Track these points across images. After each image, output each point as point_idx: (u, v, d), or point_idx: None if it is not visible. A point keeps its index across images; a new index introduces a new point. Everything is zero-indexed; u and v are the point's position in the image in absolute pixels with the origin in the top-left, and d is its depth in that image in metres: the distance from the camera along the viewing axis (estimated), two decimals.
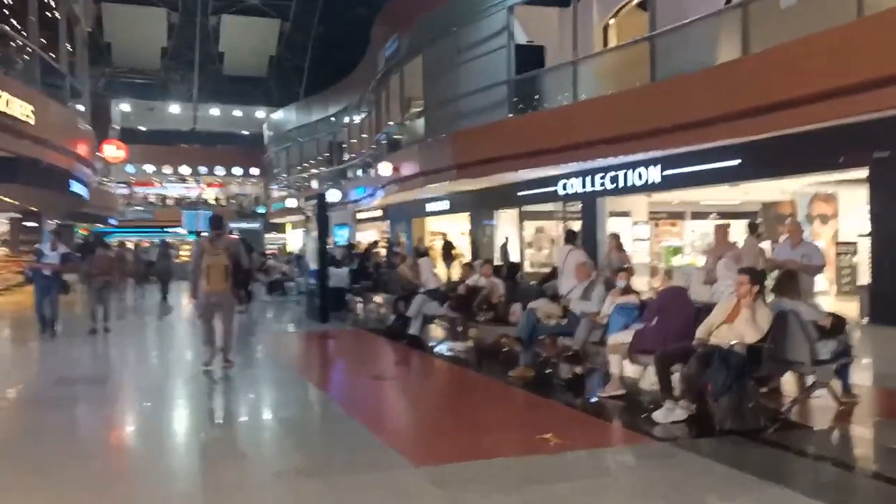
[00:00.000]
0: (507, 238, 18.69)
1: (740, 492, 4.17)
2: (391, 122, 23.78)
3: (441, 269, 17.59)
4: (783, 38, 10.40)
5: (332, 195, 26.10)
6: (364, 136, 30.19)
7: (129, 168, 42.77)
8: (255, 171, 44.96)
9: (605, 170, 14.99)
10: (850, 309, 10.21)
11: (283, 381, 8.34)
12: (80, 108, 18.68)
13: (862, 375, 6.76)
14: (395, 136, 23.46)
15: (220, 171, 45.30)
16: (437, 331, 11.14)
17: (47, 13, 16.26)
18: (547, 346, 7.72)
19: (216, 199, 46.15)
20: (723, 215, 17.34)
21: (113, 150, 20.03)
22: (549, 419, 5.94)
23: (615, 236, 10.66)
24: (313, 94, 37.32)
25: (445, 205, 21.89)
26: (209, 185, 46.86)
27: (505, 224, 19.90)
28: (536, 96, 16.74)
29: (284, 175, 39.93)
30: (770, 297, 5.80)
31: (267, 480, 4.59)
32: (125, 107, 43.28)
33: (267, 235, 41.59)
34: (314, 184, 34.61)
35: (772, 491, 4.08)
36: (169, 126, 44.71)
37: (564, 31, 16.29)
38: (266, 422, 6.44)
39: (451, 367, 8.70)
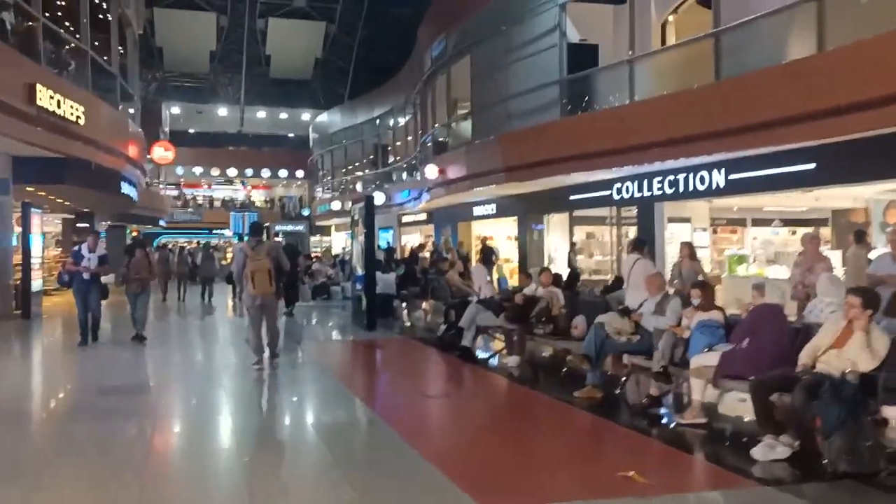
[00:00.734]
0: (574, 243, 18.01)
1: None
2: (437, 124, 23.39)
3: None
4: (864, 34, 9.67)
5: (378, 198, 25.82)
6: (409, 138, 29.90)
7: (179, 170, 43.36)
8: (300, 173, 45.06)
9: (664, 173, 14.30)
10: None
11: (331, 398, 7.79)
12: (131, 110, 18.71)
13: None
14: (442, 139, 23.06)
15: (266, 173, 45.55)
16: (490, 342, 10.65)
17: (100, 15, 16.29)
18: (614, 365, 7.14)
19: (265, 202, 46.49)
20: (787, 223, 16.56)
21: (161, 152, 20.07)
22: (628, 451, 5.40)
23: (688, 245, 9.84)
24: (358, 97, 37.21)
25: (492, 208, 21.39)
26: (255, 186, 47.19)
27: (555, 229, 19.33)
28: (588, 97, 16.16)
29: (329, 177, 39.92)
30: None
31: None
32: (175, 110, 43.84)
33: (312, 238, 41.64)
34: (359, 186, 34.46)
35: None
36: (217, 128, 45.18)
37: (619, 28, 15.67)
38: (314, 447, 5.85)
39: (509, 385, 8.16)
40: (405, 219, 30.04)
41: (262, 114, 45.11)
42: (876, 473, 4.36)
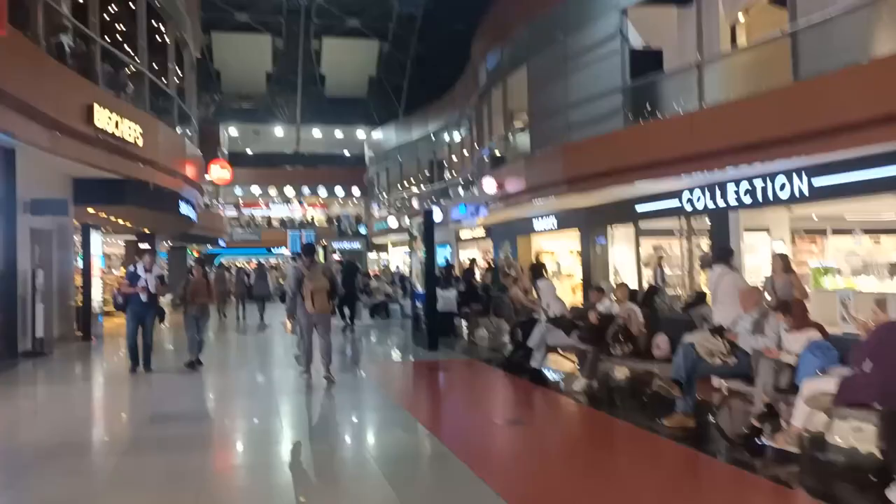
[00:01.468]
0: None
1: None
2: (494, 137, 22.94)
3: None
4: None
5: (435, 215, 25.50)
6: (465, 153, 29.54)
7: (237, 190, 44.06)
8: (356, 190, 45.22)
9: (740, 180, 13.47)
10: None
11: (395, 426, 7.27)
12: (189, 131, 18.82)
13: None
14: (498, 152, 22.59)
15: (322, 191, 45.88)
16: (561, 362, 10.02)
17: (157, 38, 16.42)
18: (703, 388, 6.44)
19: (324, 220, 46.78)
20: (869, 231, 15.50)
21: (218, 170, 20.19)
22: (733, 490, 4.76)
23: (782, 257, 8.96)
24: (413, 113, 37.12)
25: (553, 222, 20.75)
26: (312, 205, 47.55)
27: (620, 242, 18.56)
28: (653, 104, 15.44)
29: (385, 194, 39.88)
30: None
31: None
32: (232, 131, 44.61)
33: (369, 255, 41.61)
34: (415, 203, 34.25)
35: None
36: (274, 148, 45.77)
37: (685, 32, 14.95)
38: (377, 485, 5.29)
39: (586, 411, 7.52)
40: (463, 235, 29.62)
41: (317, 133, 45.52)
42: None
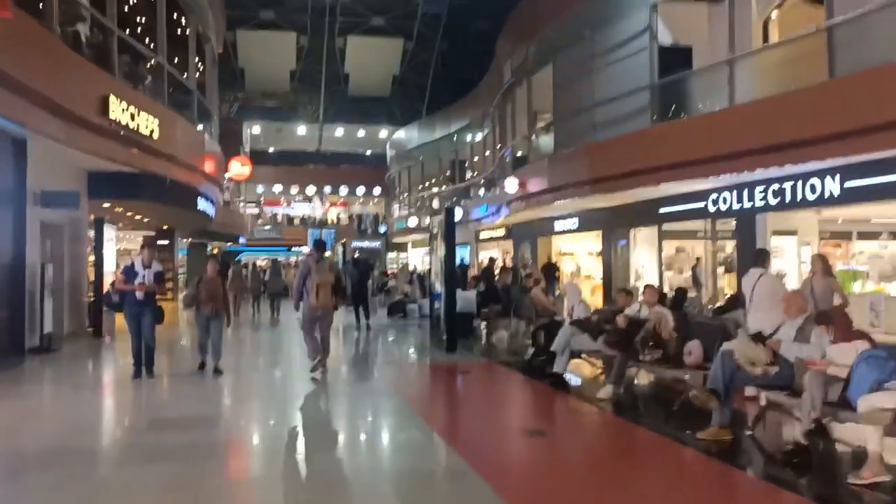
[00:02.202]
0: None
1: None
2: (518, 136, 22.62)
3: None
4: None
5: (455, 213, 25.24)
6: (487, 153, 29.25)
7: (259, 188, 44.11)
8: (377, 190, 45.09)
9: (768, 182, 13.02)
10: None
11: (410, 437, 6.74)
12: (209, 127, 18.70)
13: None
14: (521, 152, 22.28)
15: (343, 190, 45.81)
16: (584, 367, 9.63)
17: (178, 31, 16.29)
18: (738, 399, 6.02)
19: (346, 218, 46.71)
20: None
21: (238, 167, 20.01)
22: None
23: (822, 258, 8.38)
24: (435, 113, 36.89)
25: (574, 223, 20.39)
26: (333, 204, 47.50)
27: (641, 244, 18.14)
28: (682, 103, 15.01)
29: (406, 194, 39.70)
30: None
31: None
32: (255, 129, 44.68)
33: (389, 254, 41.44)
34: (436, 203, 34.03)
35: None
36: (296, 147, 45.80)
37: (716, 28, 14.50)
38: None
39: (613, 421, 7.09)
40: (483, 234, 29.33)
41: (340, 131, 45.45)
42: None
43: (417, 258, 36.15)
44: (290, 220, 46.10)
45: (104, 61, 11.73)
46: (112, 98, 10.96)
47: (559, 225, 21.09)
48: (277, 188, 45.43)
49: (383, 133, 44.55)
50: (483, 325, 14.65)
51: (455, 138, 33.56)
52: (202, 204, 17.40)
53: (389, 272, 29.89)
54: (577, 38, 17.71)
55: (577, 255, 22.33)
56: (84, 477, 5.26)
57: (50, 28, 9.99)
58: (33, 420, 7.32)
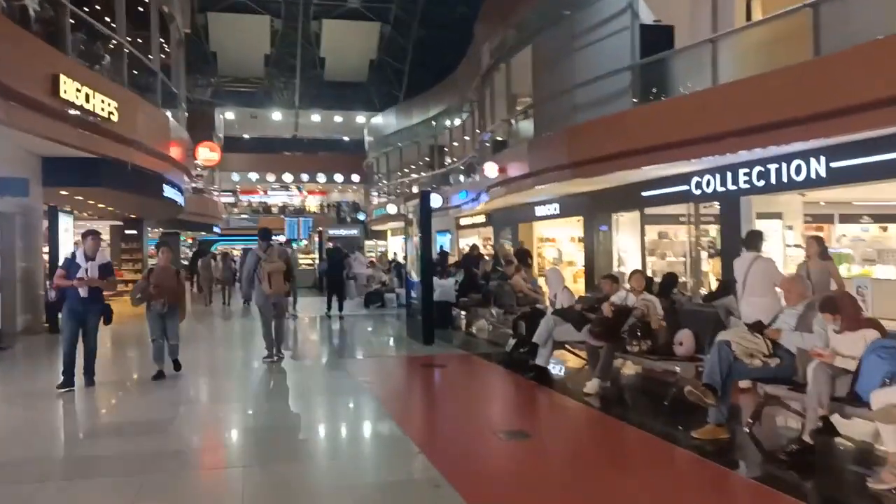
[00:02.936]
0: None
1: None
2: (497, 121, 22.16)
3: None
4: None
5: (435, 200, 24.72)
6: (466, 138, 28.79)
7: (234, 176, 43.23)
8: (356, 177, 44.41)
9: (752, 164, 12.64)
10: None
11: (381, 443, 6.22)
12: (176, 112, 17.96)
13: None
14: (500, 137, 21.83)
15: (321, 177, 45.06)
16: (568, 359, 9.16)
17: (139, 9, 15.54)
18: (736, 394, 5.53)
19: (324, 206, 46.02)
20: (877, 218, 14.87)
21: (206, 153, 19.26)
22: None
23: (818, 240, 7.93)
24: (413, 98, 36.30)
25: (555, 208, 19.99)
26: (311, 192, 46.74)
27: (624, 229, 17.77)
28: (663, 83, 14.59)
29: (385, 181, 39.09)
30: None
31: None
32: (229, 115, 43.74)
33: (367, 242, 40.87)
34: (415, 189, 33.52)
35: None
36: (271, 133, 44.94)
37: (698, 6, 14.07)
38: None
39: (600, 418, 6.59)
40: (463, 221, 28.91)
41: (316, 117, 44.61)
42: None
43: (397, 246, 35.66)
44: (267, 208, 45.29)
45: (55, 38, 11.01)
46: (63, 77, 10.25)
47: (540, 210, 20.72)
48: (253, 176, 44.59)
49: (361, 119, 43.83)
50: (462, 314, 14.19)
51: (433, 123, 33.09)
52: (168, 191, 16.70)
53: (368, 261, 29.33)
54: (556, 18, 17.26)
55: (559, 241, 21.98)
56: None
57: None
58: None
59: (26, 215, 12.67)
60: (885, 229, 14.86)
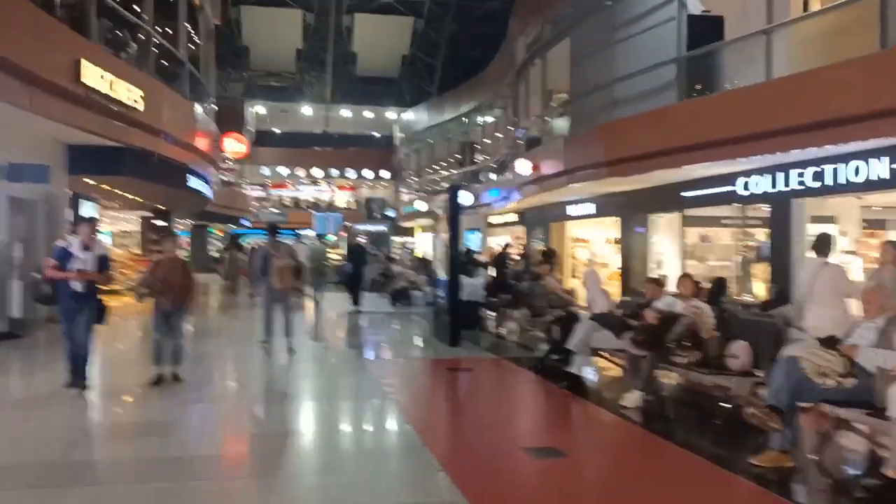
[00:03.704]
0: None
1: None
2: (531, 117, 21.59)
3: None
4: None
5: (465, 198, 24.21)
6: (498, 135, 28.25)
7: (265, 170, 43.17)
8: (386, 173, 44.05)
9: (806, 164, 11.89)
10: None
11: (403, 458, 5.67)
12: (204, 103, 17.65)
13: None
14: (535, 134, 21.26)
15: (351, 173, 44.76)
16: (602, 365, 8.57)
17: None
18: (808, 418, 4.88)
19: (353, 202, 45.77)
20: None
21: (233, 144, 18.93)
22: None
23: (894, 246, 7.27)
24: (445, 94, 35.83)
25: (590, 208, 19.34)
26: (341, 187, 46.51)
27: (662, 231, 17.08)
28: (711, 77, 13.88)
29: (414, 177, 38.68)
30: None
31: None
32: (260, 109, 43.64)
33: (395, 238, 40.51)
34: (444, 186, 33.07)
35: None
36: (302, 128, 44.72)
37: None
38: None
39: (643, 437, 5.99)
40: (493, 220, 28.35)
41: (347, 113, 44.34)
42: None
43: (425, 243, 35.27)
44: (296, 203, 45.16)
45: (79, 24, 10.69)
46: (84, 63, 9.90)
47: (573, 210, 20.10)
48: (283, 171, 44.44)
49: (392, 115, 43.48)
50: (493, 315, 13.65)
51: (465, 120, 32.59)
52: (193, 182, 16.39)
53: (394, 256, 28.91)
54: (596, 7, 16.63)
55: (592, 242, 21.32)
56: None
57: None
58: None
59: (50, 203, 12.38)
60: None
